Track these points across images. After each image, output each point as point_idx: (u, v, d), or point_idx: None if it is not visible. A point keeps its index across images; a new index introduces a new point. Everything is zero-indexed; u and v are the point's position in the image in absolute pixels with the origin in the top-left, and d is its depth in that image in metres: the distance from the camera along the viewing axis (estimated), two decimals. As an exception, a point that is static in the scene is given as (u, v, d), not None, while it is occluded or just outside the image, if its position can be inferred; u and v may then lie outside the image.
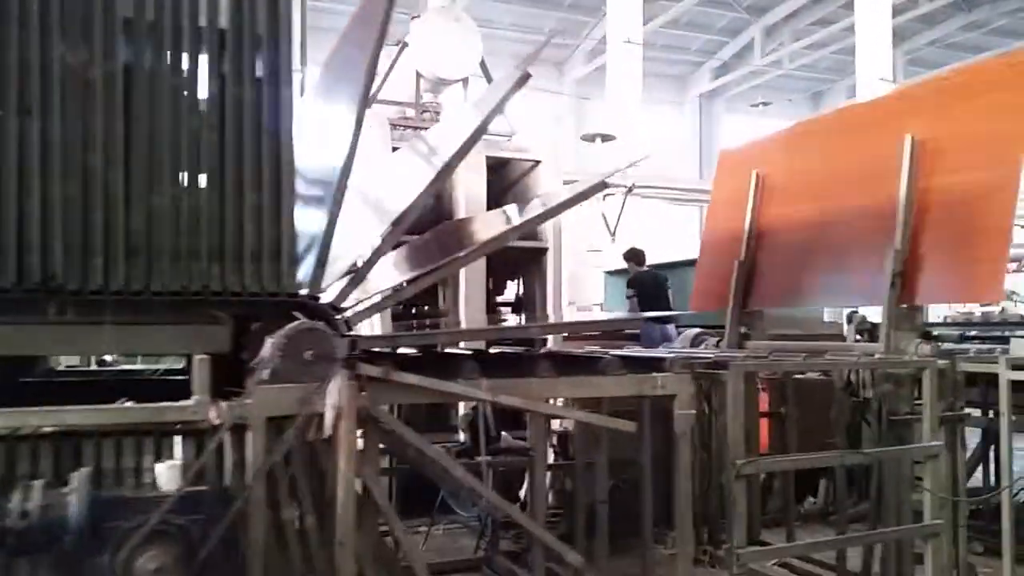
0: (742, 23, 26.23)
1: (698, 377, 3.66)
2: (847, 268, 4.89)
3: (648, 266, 9.35)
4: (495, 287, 7.73)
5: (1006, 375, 4.07)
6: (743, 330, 5.55)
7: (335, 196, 2.72)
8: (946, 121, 4.44)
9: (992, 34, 25.09)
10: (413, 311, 7.27)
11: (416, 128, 7.34)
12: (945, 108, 4.55)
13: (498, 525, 5.05)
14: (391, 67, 8.12)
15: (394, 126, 7.46)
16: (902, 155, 4.42)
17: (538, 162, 6.91)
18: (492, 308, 7.31)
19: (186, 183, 2.72)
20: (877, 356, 4.03)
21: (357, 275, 2.80)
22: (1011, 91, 4.14)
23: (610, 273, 11.17)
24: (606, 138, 14.74)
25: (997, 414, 4.34)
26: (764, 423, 5.78)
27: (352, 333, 2.81)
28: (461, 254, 3.00)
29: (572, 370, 3.27)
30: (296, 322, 2.55)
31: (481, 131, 2.91)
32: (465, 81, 7.42)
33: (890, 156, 4.50)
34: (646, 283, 9.15)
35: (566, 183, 7.62)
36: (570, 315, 6.76)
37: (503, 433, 5.30)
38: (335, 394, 2.53)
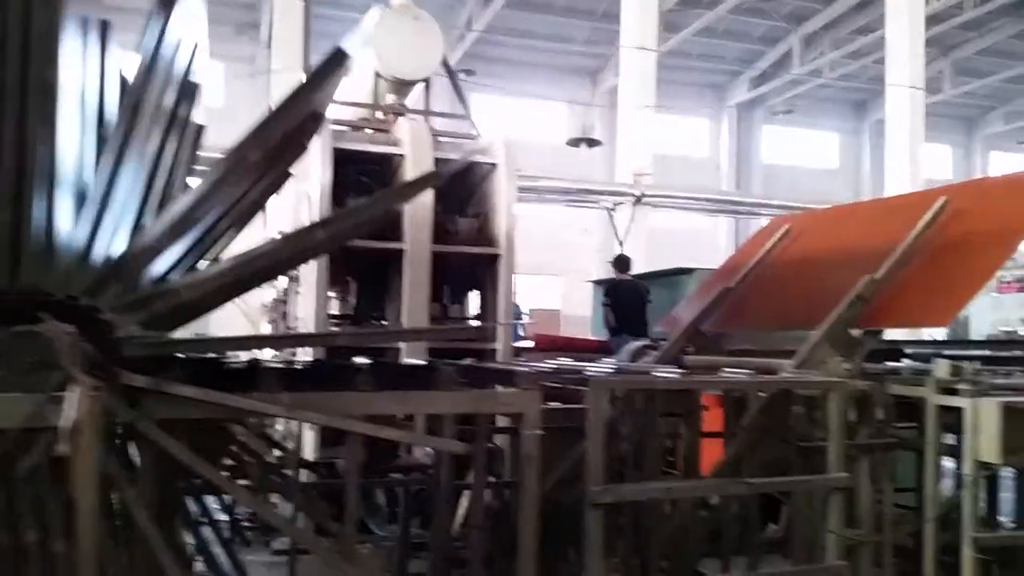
0: (780, 32, 25.62)
1: (550, 394, 3.33)
2: (814, 298, 4.72)
3: (632, 275, 9.00)
4: (453, 298, 7.45)
5: (933, 399, 3.64)
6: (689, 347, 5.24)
7: (98, 186, 2.47)
8: (976, 200, 4.55)
9: (1043, 42, 24.12)
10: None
11: (378, 130, 7.11)
12: (979, 194, 4.78)
13: (408, 544, 4.75)
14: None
15: (355, 128, 7.25)
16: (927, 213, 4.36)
17: (494, 165, 6.60)
18: (443, 320, 7.03)
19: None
20: (781, 376, 3.64)
21: (118, 272, 2.53)
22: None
23: (596, 283, 10.81)
24: (592, 143, 14.38)
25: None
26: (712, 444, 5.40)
27: (124, 337, 2.54)
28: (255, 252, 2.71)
29: (404, 383, 2.96)
30: (17, 327, 2.30)
31: (269, 124, 2.62)
32: (427, 81, 7.16)
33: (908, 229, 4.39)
34: (623, 292, 8.81)
35: (521, 189, 7.34)
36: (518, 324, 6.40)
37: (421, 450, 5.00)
38: (73, 406, 2.27)
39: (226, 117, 24.72)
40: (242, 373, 2.88)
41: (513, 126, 25.14)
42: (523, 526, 2.98)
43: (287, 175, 3.87)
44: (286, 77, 11.47)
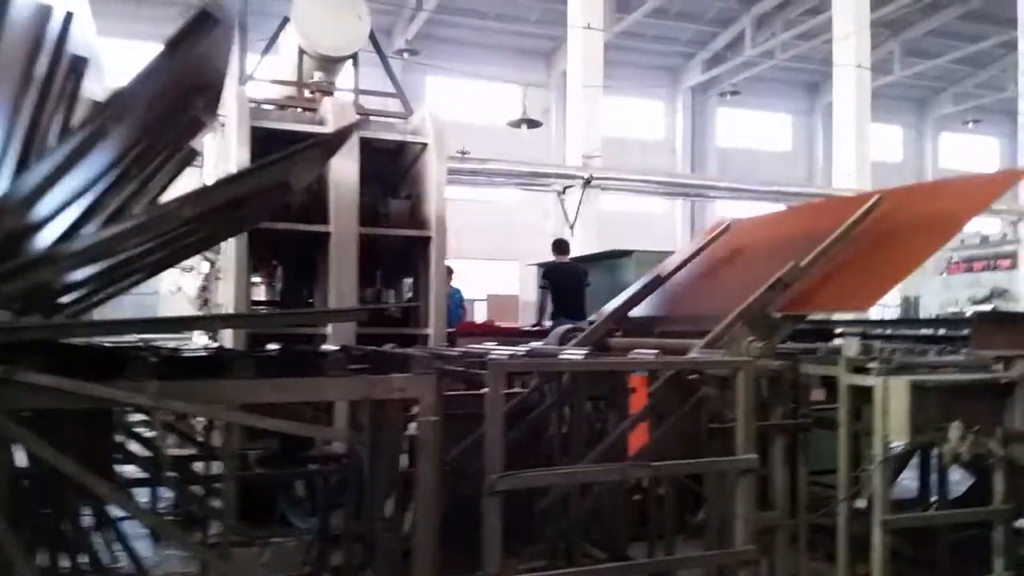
0: (733, 12, 25.64)
1: (443, 378, 3.22)
2: (744, 285, 4.68)
3: (572, 258, 8.90)
4: (387, 283, 7.30)
5: (845, 379, 3.59)
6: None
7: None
8: (914, 201, 4.40)
9: (987, 22, 24.36)
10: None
11: (305, 109, 6.91)
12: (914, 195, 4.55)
13: (328, 539, 4.61)
14: (270, 44, 7.70)
15: (281, 107, 7.06)
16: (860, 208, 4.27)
17: (425, 145, 6.45)
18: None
19: None
20: (689, 356, 3.55)
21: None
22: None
23: (539, 265, 10.71)
24: (532, 124, 14.25)
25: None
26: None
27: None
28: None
29: (289, 369, 2.83)
30: None
31: (135, 89, 2.45)
32: (355, 58, 6.96)
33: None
34: (561, 275, 8.72)
35: (451, 170, 7.21)
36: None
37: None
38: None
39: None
40: (122, 360, 2.71)
41: (468, 109, 25.02)
42: (420, 519, 2.87)
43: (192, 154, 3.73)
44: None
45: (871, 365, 3.41)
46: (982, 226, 22.56)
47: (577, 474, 3.43)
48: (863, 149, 15.98)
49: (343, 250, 6.02)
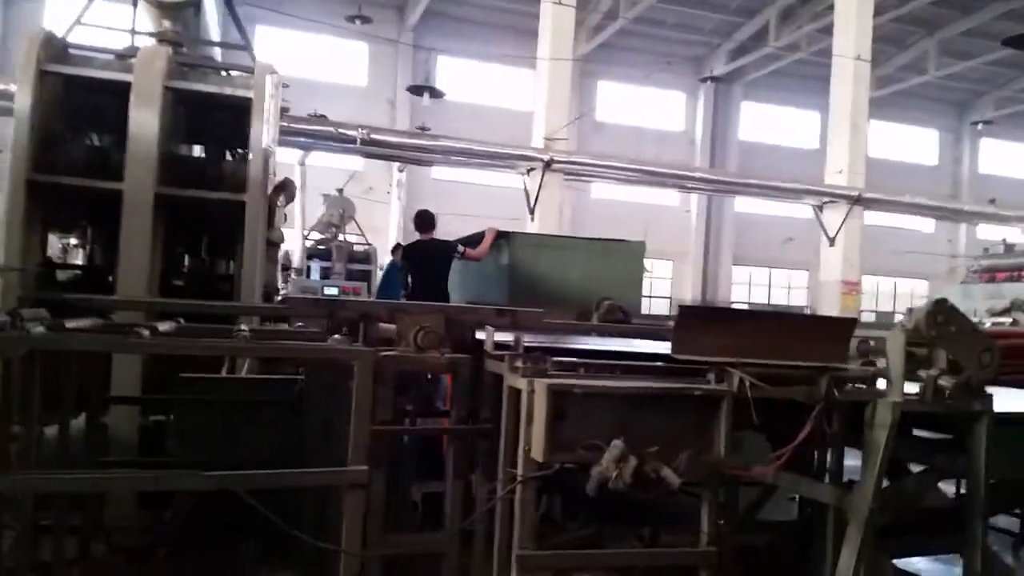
0: (758, 4, 24.54)
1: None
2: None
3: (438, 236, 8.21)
4: (215, 252, 6.72)
5: (508, 379, 2.87)
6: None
7: None
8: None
9: (1027, 22, 22.88)
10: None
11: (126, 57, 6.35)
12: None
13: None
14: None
15: (121, 56, 6.50)
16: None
17: (248, 99, 5.82)
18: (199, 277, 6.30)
19: None
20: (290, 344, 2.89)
21: None
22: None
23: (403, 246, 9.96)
24: (435, 93, 13.52)
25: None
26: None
27: None
28: None
29: None
30: None
31: None
32: (196, 6, 6.38)
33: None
34: (423, 253, 8.05)
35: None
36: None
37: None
38: None
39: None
40: None
41: (479, 90, 24.48)
42: None
43: None
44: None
45: (518, 364, 2.70)
46: (1008, 234, 21.16)
47: (85, 481, 2.77)
48: (858, 145, 14.93)
49: (136, 211, 5.43)
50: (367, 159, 17.43)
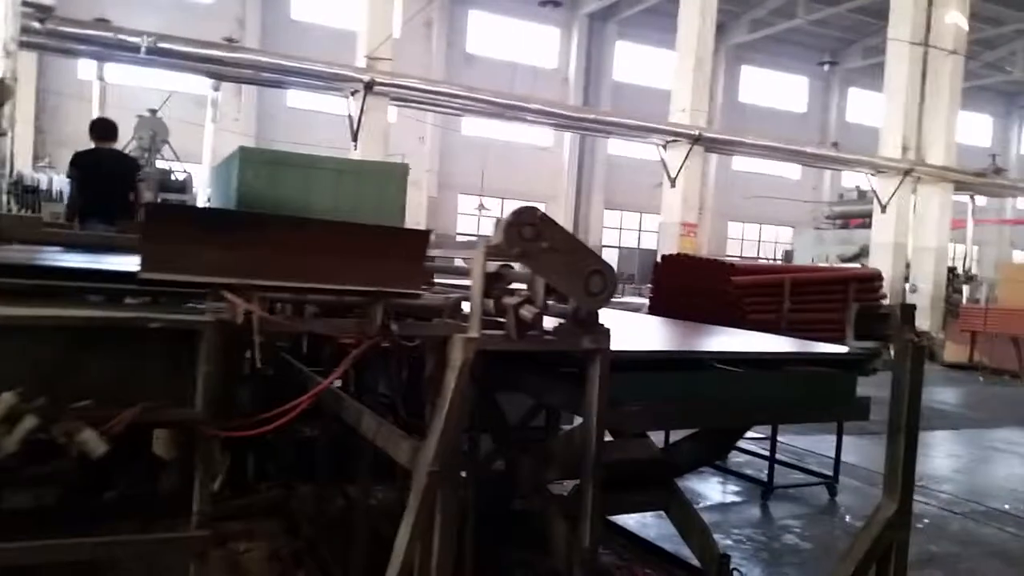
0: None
1: None
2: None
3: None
4: None
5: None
6: None
7: None
8: None
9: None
10: None
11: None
12: None
13: None
14: None
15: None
16: None
17: None
18: None
19: None
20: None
21: None
22: None
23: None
24: None
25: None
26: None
27: None
28: None
29: None
30: None
31: None
32: None
33: None
34: (96, 162, 7.40)
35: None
36: None
37: None
38: None
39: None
40: None
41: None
42: None
43: None
44: None
45: None
46: (860, 181, 21.28)
47: None
48: (701, 82, 14.43)
49: None
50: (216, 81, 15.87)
